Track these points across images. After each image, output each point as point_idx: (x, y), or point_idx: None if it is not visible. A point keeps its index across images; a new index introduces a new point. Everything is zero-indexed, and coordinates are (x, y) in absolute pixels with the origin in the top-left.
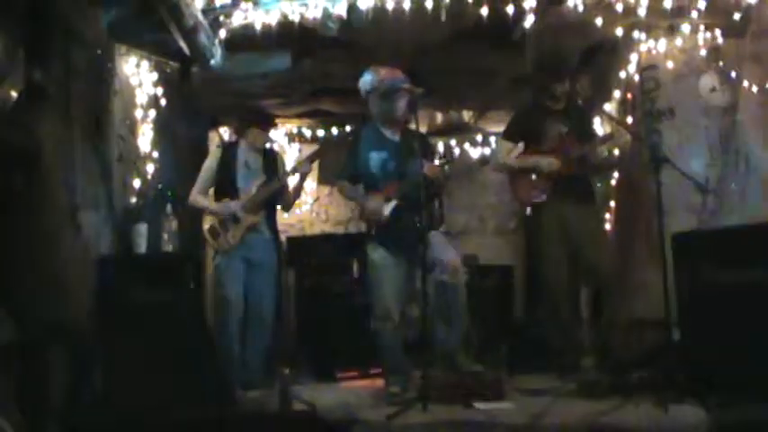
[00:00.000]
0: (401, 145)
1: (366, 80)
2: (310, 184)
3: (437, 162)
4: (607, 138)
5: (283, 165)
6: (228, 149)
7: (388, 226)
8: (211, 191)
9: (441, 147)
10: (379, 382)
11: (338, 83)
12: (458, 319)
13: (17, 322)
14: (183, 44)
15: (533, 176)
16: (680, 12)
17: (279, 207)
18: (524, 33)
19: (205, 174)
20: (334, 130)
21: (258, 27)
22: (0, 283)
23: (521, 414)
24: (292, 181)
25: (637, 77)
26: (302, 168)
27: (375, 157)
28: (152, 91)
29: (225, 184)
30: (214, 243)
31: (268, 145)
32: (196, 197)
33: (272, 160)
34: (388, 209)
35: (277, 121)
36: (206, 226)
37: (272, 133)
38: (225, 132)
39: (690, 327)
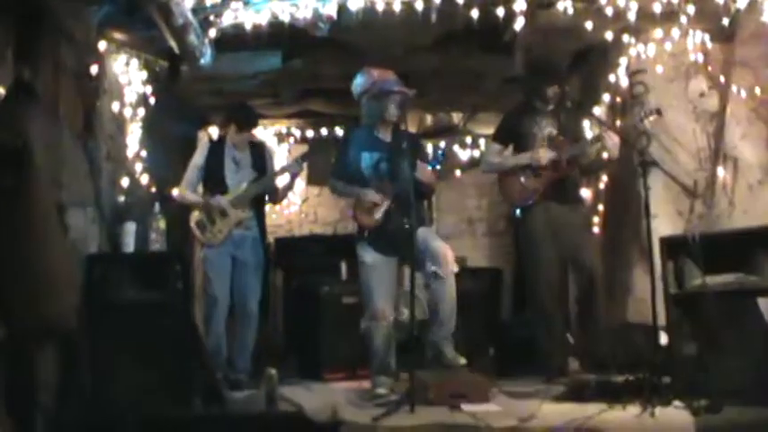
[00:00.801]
0: (393, 145)
1: (358, 82)
2: (299, 184)
3: (429, 163)
4: (596, 139)
5: (272, 159)
6: (216, 145)
7: (379, 227)
8: (200, 188)
9: (430, 148)
10: (366, 384)
11: (328, 83)
12: (447, 314)
13: (4, 321)
14: (172, 43)
15: (522, 179)
16: (669, 16)
17: (268, 199)
18: (514, 36)
19: (192, 169)
20: (324, 131)
21: (248, 27)
22: None
23: (508, 416)
24: (282, 180)
25: (626, 81)
26: (293, 168)
27: (367, 158)
28: (141, 89)
29: (214, 181)
30: (201, 237)
31: (254, 139)
32: (184, 193)
33: (259, 155)
34: (380, 212)
35: (266, 120)
36: (193, 220)
37: (262, 133)
38: (214, 131)
39: (676, 330)
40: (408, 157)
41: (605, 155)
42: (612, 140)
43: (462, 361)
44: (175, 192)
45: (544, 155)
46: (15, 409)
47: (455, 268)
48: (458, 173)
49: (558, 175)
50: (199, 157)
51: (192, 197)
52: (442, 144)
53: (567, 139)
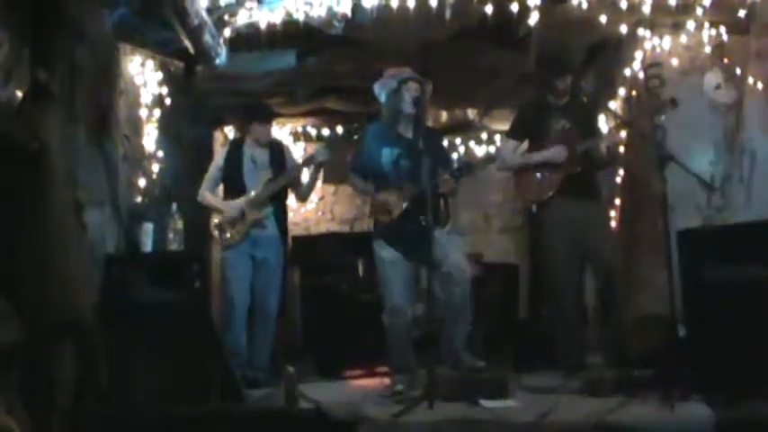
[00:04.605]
0: (414, 142)
1: (377, 86)
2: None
3: (455, 165)
4: (609, 134)
5: (291, 156)
6: (235, 146)
7: (396, 225)
8: (220, 188)
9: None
10: (385, 381)
11: (343, 81)
12: (463, 318)
13: (23, 320)
14: (187, 43)
15: (538, 175)
16: (685, 9)
17: (295, 197)
18: (529, 31)
19: (212, 171)
20: (339, 129)
21: (263, 26)
22: (6, 282)
23: (526, 412)
24: (306, 173)
25: (641, 75)
26: (319, 157)
27: (387, 153)
28: (157, 90)
29: (232, 182)
30: (219, 239)
31: (273, 138)
32: (205, 195)
33: (278, 154)
34: (397, 211)
35: (281, 119)
36: (214, 222)
37: (277, 132)
38: (230, 131)
39: (695, 324)
40: (429, 156)
41: (621, 150)
42: (614, 139)
43: (480, 363)
44: (199, 196)
45: (559, 154)
46: (33, 407)
47: (470, 276)
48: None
49: (573, 170)
50: (219, 159)
51: (212, 201)
52: (458, 140)
53: (580, 133)
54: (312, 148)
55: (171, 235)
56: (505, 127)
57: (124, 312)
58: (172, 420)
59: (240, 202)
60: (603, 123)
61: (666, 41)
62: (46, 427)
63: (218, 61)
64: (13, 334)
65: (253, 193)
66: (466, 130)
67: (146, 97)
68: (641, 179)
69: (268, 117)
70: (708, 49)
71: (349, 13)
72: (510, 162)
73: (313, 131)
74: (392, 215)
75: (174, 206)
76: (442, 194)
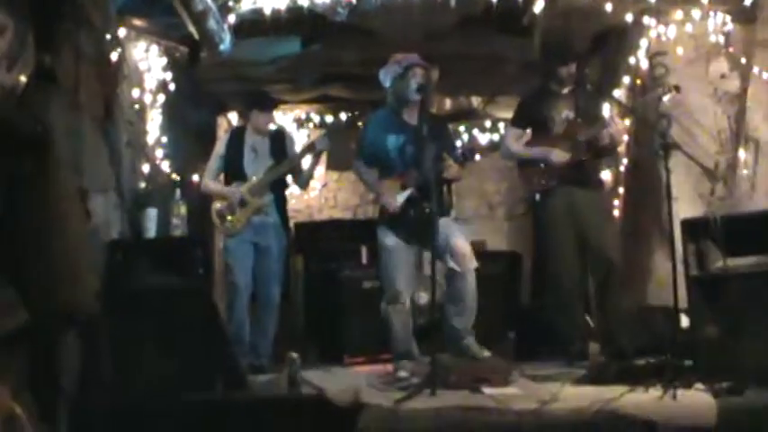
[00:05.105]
0: (418, 129)
1: (384, 71)
2: (318, 169)
3: (459, 150)
4: (615, 122)
5: (292, 144)
6: (236, 134)
7: (401, 214)
8: (222, 176)
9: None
10: (388, 367)
11: (347, 68)
12: (468, 306)
13: (26, 307)
14: (192, 29)
15: (541, 164)
16: None
17: (294, 184)
18: (534, 19)
19: (214, 160)
20: (343, 116)
21: (267, 12)
22: (11, 269)
23: (528, 400)
24: (307, 160)
25: (646, 63)
26: (319, 145)
27: (392, 140)
28: (161, 76)
29: (233, 169)
30: (220, 226)
31: (274, 127)
32: (207, 183)
33: (279, 142)
34: (402, 197)
35: (285, 106)
36: (214, 209)
37: (281, 118)
38: (233, 117)
39: (698, 313)
40: (434, 143)
41: (625, 138)
42: (617, 127)
43: (486, 353)
44: (203, 186)
45: (560, 157)
46: (39, 395)
47: (475, 264)
48: (477, 157)
49: (577, 159)
50: (220, 147)
51: (213, 187)
52: (462, 128)
53: (584, 122)
54: (316, 134)
55: (174, 221)
56: (509, 115)
57: (128, 298)
58: (175, 407)
59: (241, 188)
60: (607, 112)
61: (672, 30)
62: (51, 413)
63: (222, 47)
64: (17, 320)
65: (254, 179)
66: (470, 117)
67: (150, 83)
68: (645, 168)
69: (268, 105)
70: (713, 38)
71: None
72: (513, 151)
73: (317, 118)
74: (396, 202)
75: (178, 192)
76: (446, 181)
